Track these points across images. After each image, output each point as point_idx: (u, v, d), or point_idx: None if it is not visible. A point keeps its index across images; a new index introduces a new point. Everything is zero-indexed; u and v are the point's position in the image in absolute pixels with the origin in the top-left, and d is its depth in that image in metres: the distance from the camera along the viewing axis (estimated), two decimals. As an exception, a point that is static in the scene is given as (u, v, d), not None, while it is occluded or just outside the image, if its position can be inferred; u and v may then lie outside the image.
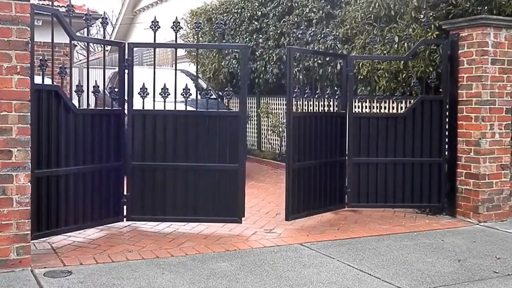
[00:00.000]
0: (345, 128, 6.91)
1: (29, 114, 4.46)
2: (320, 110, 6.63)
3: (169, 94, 5.86)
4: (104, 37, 6.10)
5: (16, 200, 4.40)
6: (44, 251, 5.01)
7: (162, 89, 5.86)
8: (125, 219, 5.93)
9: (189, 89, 5.89)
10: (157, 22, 5.88)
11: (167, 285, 4.24)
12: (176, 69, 6.15)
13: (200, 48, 5.98)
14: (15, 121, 4.39)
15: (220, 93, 11.63)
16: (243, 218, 5.95)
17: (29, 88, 4.46)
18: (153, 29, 5.85)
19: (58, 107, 5.09)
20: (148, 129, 5.89)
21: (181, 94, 5.85)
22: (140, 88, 5.89)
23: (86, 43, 5.99)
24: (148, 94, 5.90)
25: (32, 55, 4.54)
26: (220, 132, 5.86)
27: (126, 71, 5.89)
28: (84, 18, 5.64)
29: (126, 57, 5.94)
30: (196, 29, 6.20)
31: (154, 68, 5.97)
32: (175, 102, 5.94)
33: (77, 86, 5.52)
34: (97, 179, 5.57)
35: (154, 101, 5.92)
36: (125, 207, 5.89)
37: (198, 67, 14.09)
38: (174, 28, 5.90)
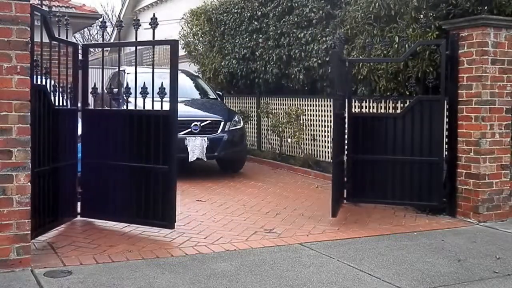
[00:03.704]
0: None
1: (29, 114, 4.45)
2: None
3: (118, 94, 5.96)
4: (67, 36, 6.05)
5: (16, 200, 4.40)
6: (44, 251, 5.00)
7: (107, 88, 5.93)
8: (79, 215, 6.04)
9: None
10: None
11: (167, 285, 4.24)
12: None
13: (138, 45, 6.13)
14: (15, 121, 4.38)
15: (219, 92, 11.66)
16: (176, 224, 5.68)
17: (29, 88, 4.46)
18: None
19: (44, 105, 5.16)
20: (93, 127, 5.98)
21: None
22: (92, 88, 6.09)
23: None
24: (99, 94, 6.05)
25: (32, 55, 4.54)
26: (154, 132, 5.67)
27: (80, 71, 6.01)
28: (56, 19, 5.75)
29: (80, 57, 6.00)
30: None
31: (103, 66, 6.08)
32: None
33: (53, 86, 5.60)
34: (62, 176, 5.62)
35: (102, 99, 5.99)
36: (79, 204, 6.04)
37: (198, 67, 14.21)
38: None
